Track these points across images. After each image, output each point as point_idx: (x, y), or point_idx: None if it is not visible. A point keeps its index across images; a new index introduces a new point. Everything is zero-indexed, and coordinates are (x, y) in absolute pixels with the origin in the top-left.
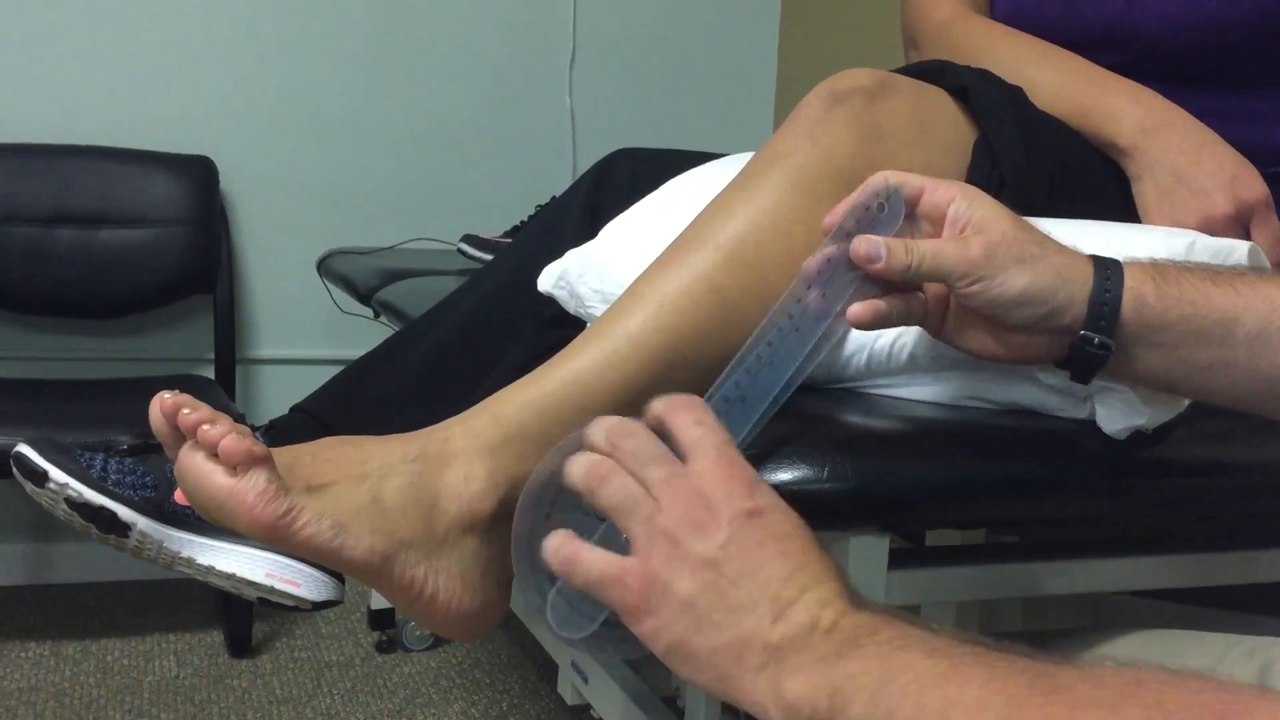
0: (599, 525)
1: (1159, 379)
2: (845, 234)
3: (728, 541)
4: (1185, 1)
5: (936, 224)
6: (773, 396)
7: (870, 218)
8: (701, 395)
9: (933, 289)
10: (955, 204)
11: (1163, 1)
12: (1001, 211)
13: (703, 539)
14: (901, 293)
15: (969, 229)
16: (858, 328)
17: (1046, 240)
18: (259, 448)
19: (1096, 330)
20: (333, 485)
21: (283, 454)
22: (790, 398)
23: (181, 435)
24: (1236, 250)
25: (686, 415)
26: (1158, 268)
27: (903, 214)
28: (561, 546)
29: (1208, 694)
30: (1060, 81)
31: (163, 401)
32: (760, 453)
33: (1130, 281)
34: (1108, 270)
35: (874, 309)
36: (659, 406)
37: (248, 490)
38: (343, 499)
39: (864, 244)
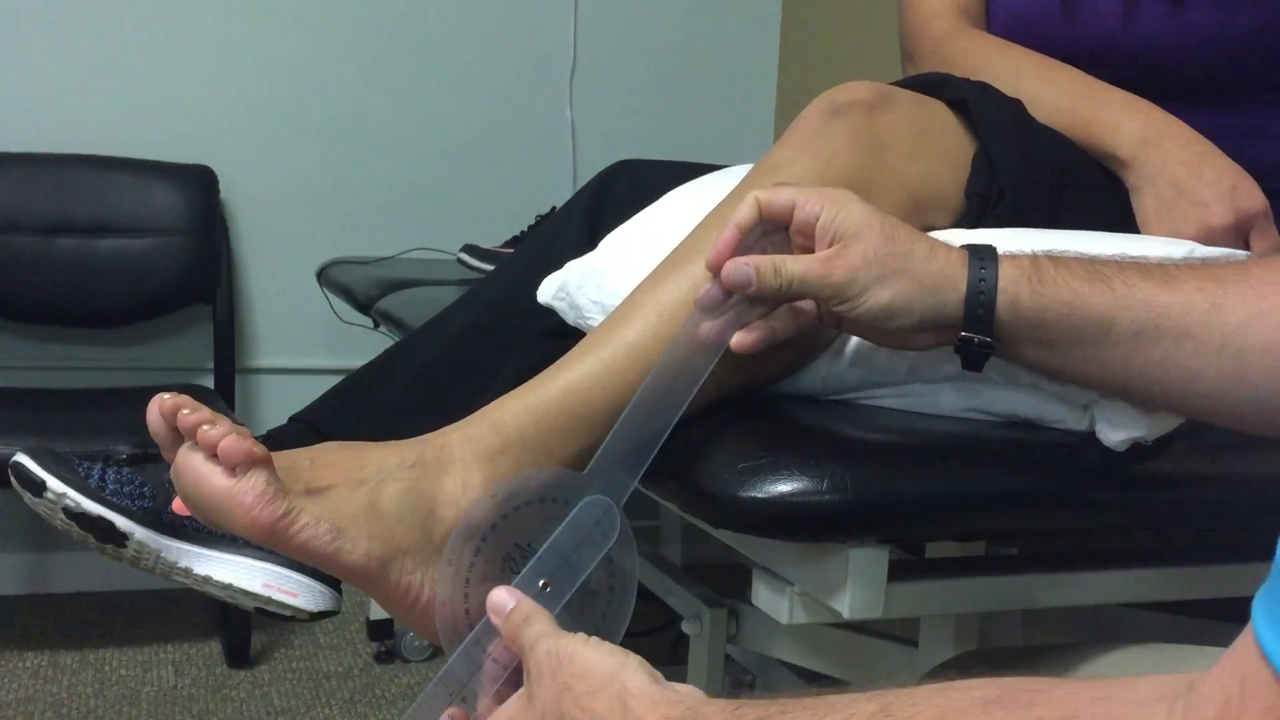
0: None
1: (1045, 370)
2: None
3: None
4: (1181, 18)
5: (809, 238)
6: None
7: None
8: (696, 404)
9: None
10: (822, 217)
11: (1159, 18)
12: (868, 222)
13: None
14: (790, 305)
15: (835, 242)
16: (747, 353)
17: (912, 252)
18: (259, 449)
19: (975, 331)
20: (331, 489)
21: (282, 457)
22: (790, 409)
23: (179, 437)
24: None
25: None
26: (1036, 266)
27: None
28: None
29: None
30: (1059, 94)
31: (162, 403)
32: (760, 465)
33: (1004, 284)
34: (983, 271)
35: (756, 336)
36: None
37: (246, 491)
38: (341, 503)
39: (734, 270)
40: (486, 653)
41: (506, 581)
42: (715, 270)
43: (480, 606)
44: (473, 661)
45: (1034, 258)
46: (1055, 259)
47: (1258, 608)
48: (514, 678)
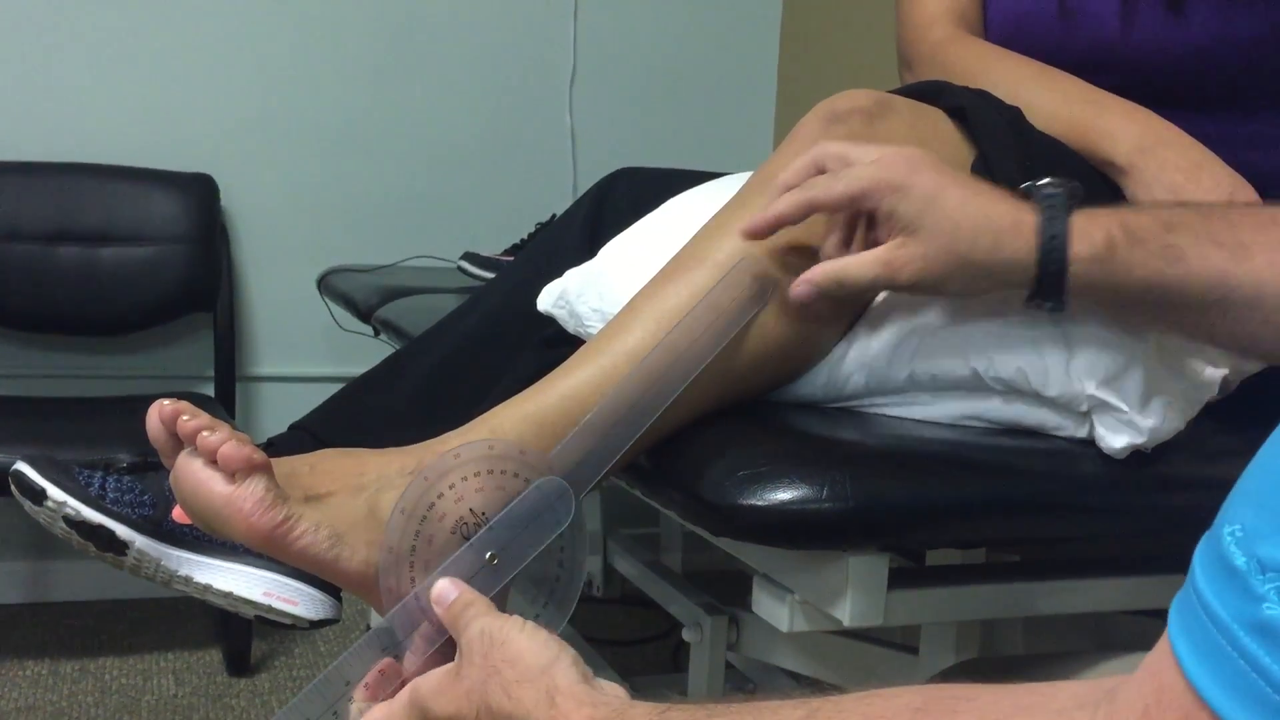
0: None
1: (1111, 317)
2: None
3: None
4: (1180, 25)
5: (873, 225)
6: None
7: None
8: (693, 411)
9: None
10: (882, 206)
11: (1157, 25)
12: (920, 221)
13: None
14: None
15: (896, 234)
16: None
17: (975, 247)
18: (258, 455)
19: (1045, 299)
20: (330, 496)
21: (281, 464)
22: (790, 417)
23: (179, 443)
24: None
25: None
26: (1111, 247)
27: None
28: None
29: None
30: (1057, 101)
31: (161, 408)
32: (760, 472)
33: (1076, 269)
34: (1054, 255)
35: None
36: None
37: (246, 497)
38: (340, 510)
39: (798, 291)
40: (425, 612)
41: (455, 545)
42: (748, 238)
43: (425, 563)
44: (410, 619)
45: (1108, 236)
46: (1131, 233)
47: (1173, 616)
48: (448, 644)
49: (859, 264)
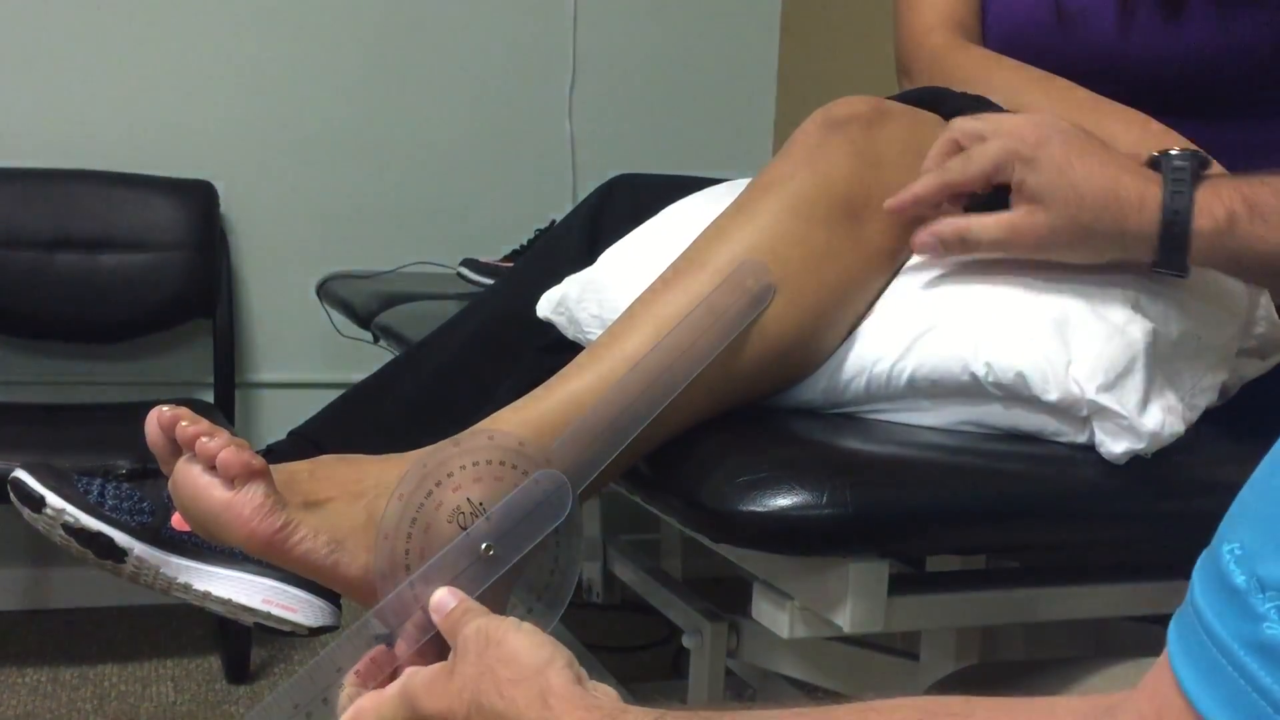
0: None
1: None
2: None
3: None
4: (1177, 31)
5: (1007, 192)
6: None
7: None
8: (692, 415)
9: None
10: (1015, 175)
11: (1155, 31)
12: (1049, 192)
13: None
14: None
15: (1025, 202)
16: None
17: (1099, 219)
18: (257, 461)
19: (1165, 268)
20: (329, 502)
21: (280, 470)
22: (789, 423)
23: (178, 449)
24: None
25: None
26: (1232, 221)
27: None
28: None
29: None
30: (1055, 107)
31: (160, 414)
32: (760, 479)
33: (1198, 243)
34: (1175, 231)
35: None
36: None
37: (245, 503)
38: (339, 516)
39: (919, 243)
40: (418, 600)
41: (452, 533)
42: (891, 213)
43: (420, 550)
44: (403, 607)
45: (1230, 210)
46: (1253, 207)
47: (1173, 635)
48: (440, 637)
49: (985, 225)
